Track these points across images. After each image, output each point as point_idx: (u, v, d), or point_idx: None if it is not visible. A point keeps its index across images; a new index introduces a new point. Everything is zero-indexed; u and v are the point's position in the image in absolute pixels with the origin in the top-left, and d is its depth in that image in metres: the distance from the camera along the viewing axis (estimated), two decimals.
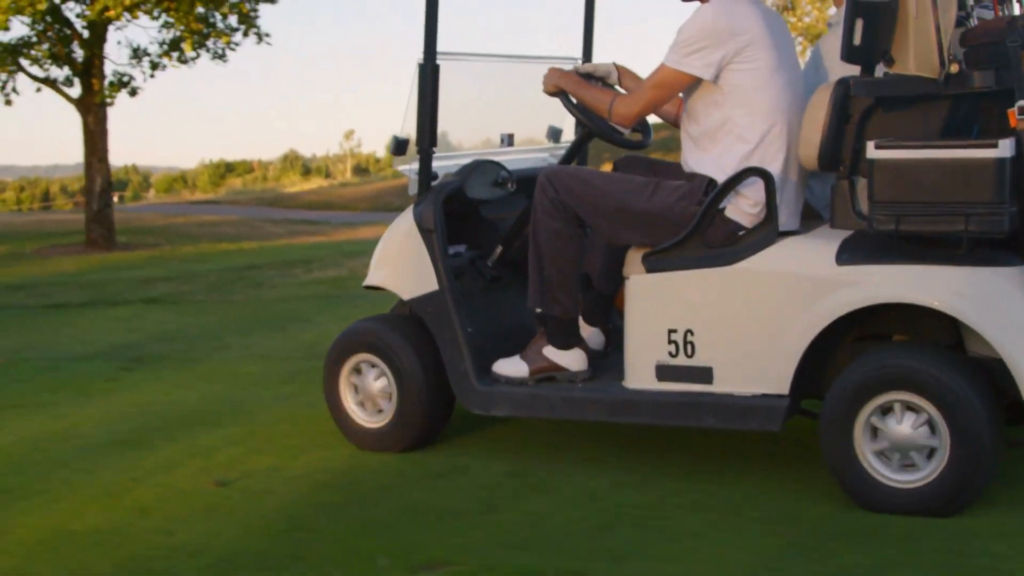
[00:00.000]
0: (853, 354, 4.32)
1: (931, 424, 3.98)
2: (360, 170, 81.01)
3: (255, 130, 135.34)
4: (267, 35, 20.29)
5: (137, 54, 20.48)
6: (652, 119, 5.05)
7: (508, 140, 5.63)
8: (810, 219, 4.72)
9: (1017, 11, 4.38)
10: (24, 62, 19.35)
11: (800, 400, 4.40)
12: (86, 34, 19.34)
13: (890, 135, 4.11)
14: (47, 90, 19.88)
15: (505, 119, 5.68)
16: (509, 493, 4.51)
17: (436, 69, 4.88)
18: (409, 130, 4.98)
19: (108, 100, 19.63)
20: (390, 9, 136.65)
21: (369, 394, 5.13)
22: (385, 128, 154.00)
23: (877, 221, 3.99)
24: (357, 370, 5.15)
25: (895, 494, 4.04)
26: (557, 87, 4.82)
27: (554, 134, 5.79)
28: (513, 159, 5.49)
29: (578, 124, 4.91)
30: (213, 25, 19.92)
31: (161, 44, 20.30)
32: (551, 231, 4.62)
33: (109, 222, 19.68)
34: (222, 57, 20.31)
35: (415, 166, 5.01)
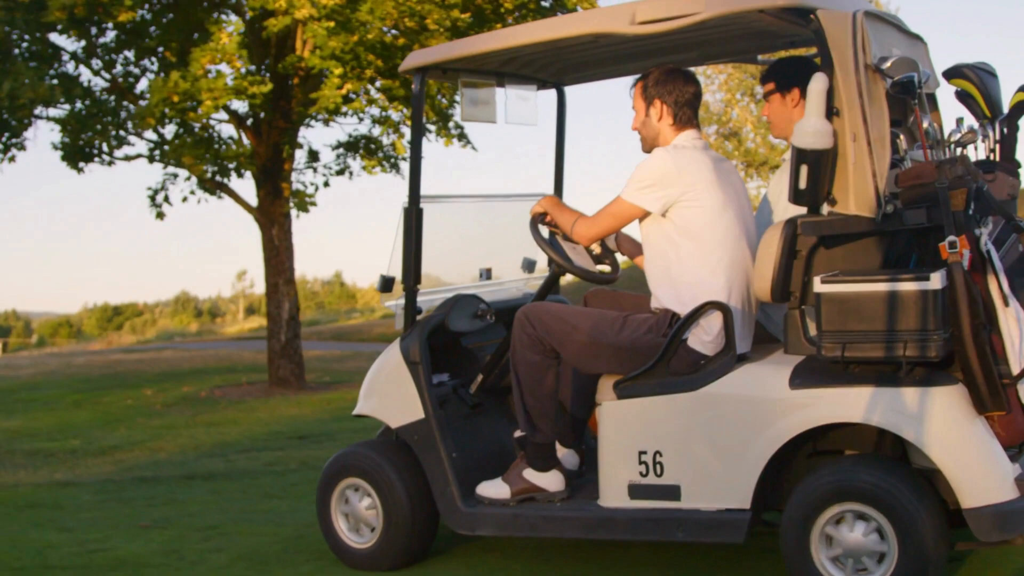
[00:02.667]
0: (808, 468, 4.69)
1: (880, 531, 4.33)
2: (252, 310, 77.62)
3: (134, 271, 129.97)
4: (470, 142, 16.05)
5: (314, 158, 16.74)
6: (621, 257, 5.48)
7: (486, 274, 6.03)
8: (768, 343, 5.11)
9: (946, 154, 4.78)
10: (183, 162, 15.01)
11: (761, 513, 4.75)
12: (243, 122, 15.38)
13: (835, 268, 4.51)
14: None
15: (483, 254, 6.09)
16: None
17: (420, 212, 5.30)
18: (395, 269, 5.38)
19: (299, 210, 16.01)
20: None
21: (358, 516, 5.46)
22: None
23: (824, 348, 4.37)
24: (347, 493, 5.49)
25: None
26: (542, 207, 5.26)
27: (528, 265, 6.19)
28: (491, 291, 5.88)
29: (550, 261, 5.32)
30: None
31: (335, 147, 16.58)
32: (529, 363, 5.00)
33: (299, 356, 15.74)
34: (396, 166, 16.23)
35: (401, 302, 5.40)
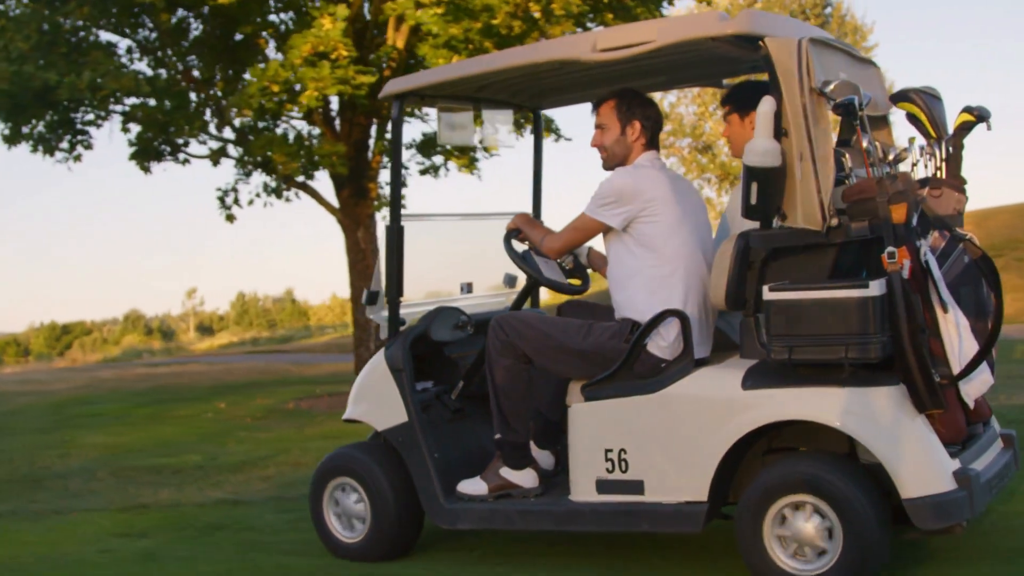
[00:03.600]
0: (764, 464, 5.03)
1: (826, 520, 4.66)
2: (204, 328, 77.38)
3: (79, 289, 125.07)
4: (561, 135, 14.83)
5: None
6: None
7: (467, 288, 6.39)
8: (732, 349, 5.43)
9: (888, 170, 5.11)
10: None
11: (721, 506, 5.09)
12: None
13: (786, 278, 4.85)
14: None
15: (464, 269, 6.44)
16: None
17: (401, 230, 5.67)
18: (379, 283, 5.74)
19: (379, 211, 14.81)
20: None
21: (347, 512, 5.82)
22: (229, 285, 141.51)
23: (773, 352, 4.71)
24: (338, 491, 5.87)
25: None
26: (515, 224, 5.64)
27: (510, 280, 6.54)
28: (472, 304, 6.24)
29: (528, 276, 5.67)
30: None
31: (408, 146, 15.34)
32: (503, 368, 5.35)
33: None
34: (470, 167, 14.99)
35: (385, 314, 5.77)
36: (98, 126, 14.27)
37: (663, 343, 5.07)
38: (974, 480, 4.63)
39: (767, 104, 4.79)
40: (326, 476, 5.92)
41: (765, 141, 4.77)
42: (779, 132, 4.78)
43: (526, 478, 5.46)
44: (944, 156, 5.42)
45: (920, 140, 5.51)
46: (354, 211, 14.48)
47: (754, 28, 4.78)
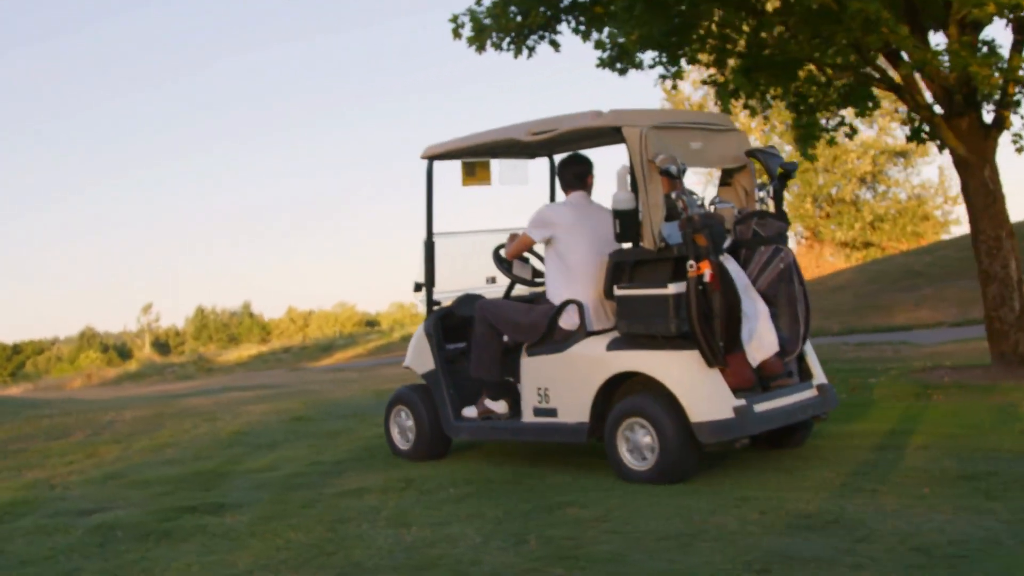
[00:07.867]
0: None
1: (650, 435, 7.38)
2: (160, 345, 75.56)
3: (28, 307, 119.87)
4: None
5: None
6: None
7: (491, 280, 9.30)
8: None
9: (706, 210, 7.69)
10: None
11: (600, 425, 7.76)
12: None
13: (642, 280, 7.55)
14: None
15: (487, 268, 9.29)
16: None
17: (432, 244, 8.68)
18: (421, 278, 8.76)
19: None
20: (187, 176, 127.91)
21: (403, 428, 8.94)
22: (189, 300, 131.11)
23: (620, 327, 7.48)
24: (397, 415, 8.98)
25: (635, 473, 7.44)
26: (510, 238, 8.57)
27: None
28: (493, 292, 9.19)
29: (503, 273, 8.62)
30: None
31: None
32: (480, 334, 8.29)
33: None
34: None
35: (423, 298, 8.80)
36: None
37: (568, 320, 7.89)
38: (747, 412, 7.19)
39: (624, 169, 7.51)
40: (391, 405, 9.05)
41: (623, 192, 7.47)
42: (634, 186, 7.49)
43: (500, 406, 8.39)
44: (770, 195, 7.93)
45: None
46: (981, 145, 11.91)
47: (615, 122, 7.49)
